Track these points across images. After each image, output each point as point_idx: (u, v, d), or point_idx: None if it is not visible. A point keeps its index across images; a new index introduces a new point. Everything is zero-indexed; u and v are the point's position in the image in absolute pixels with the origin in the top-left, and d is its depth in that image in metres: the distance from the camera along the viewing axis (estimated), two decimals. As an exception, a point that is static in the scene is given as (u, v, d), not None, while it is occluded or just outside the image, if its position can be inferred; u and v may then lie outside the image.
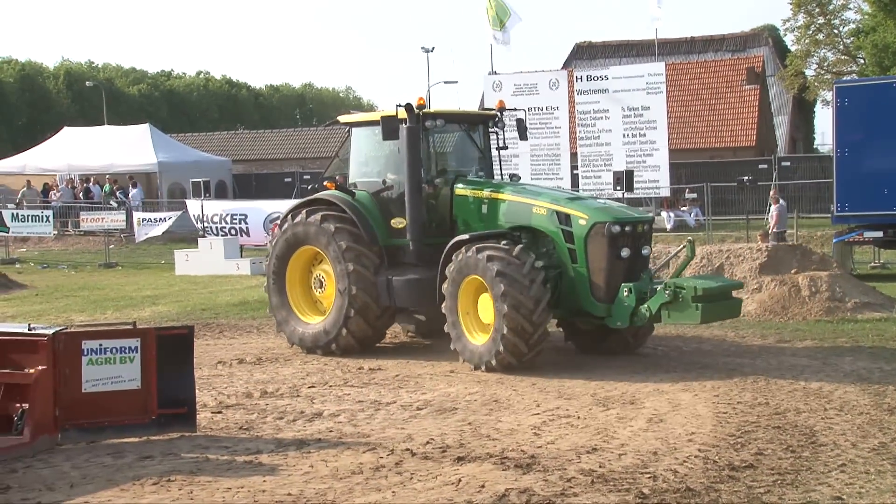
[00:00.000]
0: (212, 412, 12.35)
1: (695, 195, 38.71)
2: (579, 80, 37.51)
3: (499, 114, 17.55)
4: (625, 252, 14.44)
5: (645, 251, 15.11)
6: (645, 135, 35.32)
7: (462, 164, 17.71)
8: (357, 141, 17.86)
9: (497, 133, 17.75)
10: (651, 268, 15.82)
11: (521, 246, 14.61)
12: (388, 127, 15.58)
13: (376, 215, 16.49)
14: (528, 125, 19.23)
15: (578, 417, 11.53)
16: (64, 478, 9.74)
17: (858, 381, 13.33)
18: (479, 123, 17.83)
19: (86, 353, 11.02)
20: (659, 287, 14.19)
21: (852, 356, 15.12)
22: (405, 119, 15.89)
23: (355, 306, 15.91)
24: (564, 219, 14.90)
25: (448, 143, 17.90)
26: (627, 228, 14.56)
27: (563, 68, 55.11)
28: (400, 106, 15.96)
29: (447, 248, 15.33)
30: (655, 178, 35.77)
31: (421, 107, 16.12)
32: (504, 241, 14.77)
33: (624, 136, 35.53)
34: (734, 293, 15.34)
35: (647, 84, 35.13)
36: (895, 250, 26.58)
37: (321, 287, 16.92)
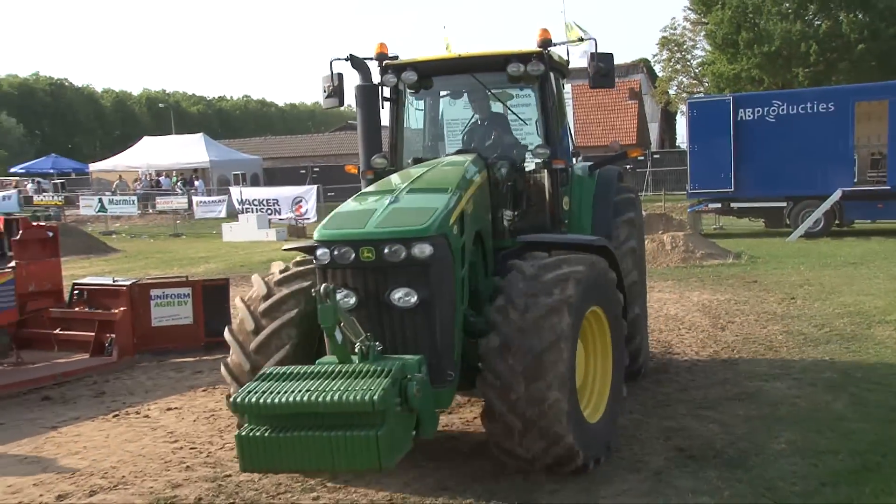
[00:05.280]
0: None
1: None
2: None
3: (542, 53, 7.58)
4: (344, 298, 5.76)
5: (404, 298, 5.73)
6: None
7: (501, 138, 8.17)
8: None
9: (540, 84, 7.74)
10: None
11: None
12: (328, 87, 7.92)
13: None
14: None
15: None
16: (141, 386, 9.73)
17: (702, 308, 13.35)
18: (502, 71, 7.58)
19: (153, 298, 11.07)
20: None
21: (699, 291, 15.14)
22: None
23: None
24: None
25: (473, 108, 8.39)
26: (340, 253, 5.82)
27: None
28: (340, 59, 7.85)
29: None
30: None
31: (382, 56, 7.93)
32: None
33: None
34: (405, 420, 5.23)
35: (557, 99, 34.72)
36: (730, 216, 26.71)
37: None
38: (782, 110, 24.13)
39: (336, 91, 7.91)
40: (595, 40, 7.79)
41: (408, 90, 8.21)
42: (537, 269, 6.08)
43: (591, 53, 7.61)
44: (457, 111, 8.70)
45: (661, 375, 9.14)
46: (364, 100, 7.83)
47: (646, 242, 19.55)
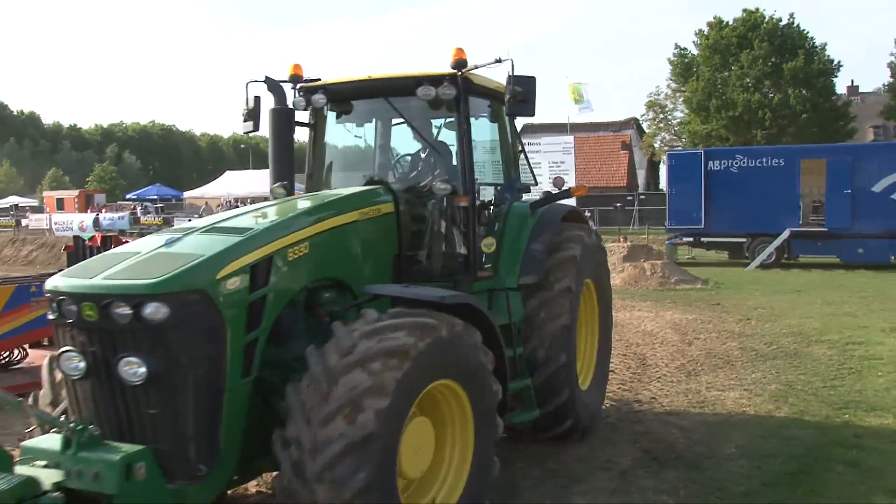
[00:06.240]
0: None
1: (589, 214, 38.32)
2: (527, 145, 36.60)
3: (455, 75, 5.56)
4: (77, 363, 3.82)
5: (130, 370, 3.67)
6: (561, 178, 34.04)
7: (437, 168, 5.95)
8: None
9: (457, 110, 5.66)
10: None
11: None
12: (245, 110, 6.03)
13: None
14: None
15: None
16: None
17: (674, 326, 13.01)
18: (413, 96, 5.58)
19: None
20: None
21: (671, 311, 14.77)
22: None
23: None
24: None
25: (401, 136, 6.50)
26: (66, 308, 3.84)
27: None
28: (256, 81, 5.93)
29: None
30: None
31: (296, 78, 6.12)
32: None
33: (549, 179, 34.57)
34: None
35: (563, 148, 34.08)
36: (700, 248, 26.38)
37: None
38: (743, 163, 24.05)
39: (252, 114, 5.99)
40: (512, 61, 5.39)
41: (334, 114, 6.30)
42: (355, 340, 3.92)
43: (508, 76, 5.35)
44: (409, 138, 6.28)
45: (635, 384, 8.88)
46: (275, 124, 5.94)
47: (630, 269, 19.33)
